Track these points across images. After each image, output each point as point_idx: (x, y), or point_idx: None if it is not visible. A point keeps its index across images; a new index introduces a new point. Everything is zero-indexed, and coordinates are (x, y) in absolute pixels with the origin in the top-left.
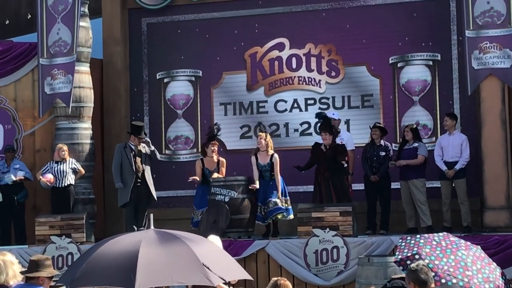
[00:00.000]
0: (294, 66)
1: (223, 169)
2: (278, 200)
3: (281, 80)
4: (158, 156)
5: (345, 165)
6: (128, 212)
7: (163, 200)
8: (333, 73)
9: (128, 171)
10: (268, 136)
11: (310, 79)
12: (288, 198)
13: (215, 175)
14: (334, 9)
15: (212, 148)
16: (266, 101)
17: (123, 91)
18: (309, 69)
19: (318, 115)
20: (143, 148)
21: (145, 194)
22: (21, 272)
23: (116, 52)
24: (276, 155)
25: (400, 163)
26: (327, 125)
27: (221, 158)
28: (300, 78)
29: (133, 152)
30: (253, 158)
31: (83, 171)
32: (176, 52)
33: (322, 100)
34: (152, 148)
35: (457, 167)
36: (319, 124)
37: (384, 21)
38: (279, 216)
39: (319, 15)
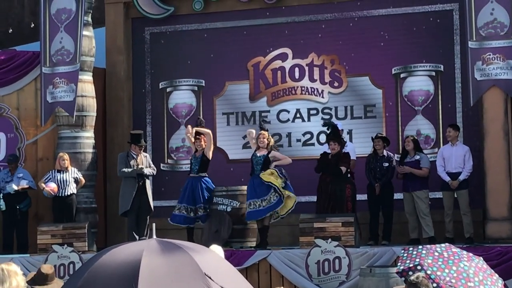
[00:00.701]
0: (297, 76)
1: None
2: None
3: (284, 90)
4: (146, 172)
5: (344, 171)
6: (129, 221)
7: (164, 210)
8: (336, 83)
9: (129, 180)
10: (270, 136)
11: (313, 89)
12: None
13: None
14: (337, 19)
15: (198, 143)
16: (268, 111)
17: (126, 100)
18: (312, 79)
19: (326, 124)
20: (145, 158)
21: (146, 203)
22: (28, 283)
23: (119, 61)
24: (274, 151)
25: (404, 170)
26: (335, 134)
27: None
28: (303, 88)
29: (135, 161)
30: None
31: (83, 181)
32: (179, 62)
33: (325, 110)
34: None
35: (461, 178)
36: (328, 133)
37: (387, 32)
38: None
39: (322, 25)
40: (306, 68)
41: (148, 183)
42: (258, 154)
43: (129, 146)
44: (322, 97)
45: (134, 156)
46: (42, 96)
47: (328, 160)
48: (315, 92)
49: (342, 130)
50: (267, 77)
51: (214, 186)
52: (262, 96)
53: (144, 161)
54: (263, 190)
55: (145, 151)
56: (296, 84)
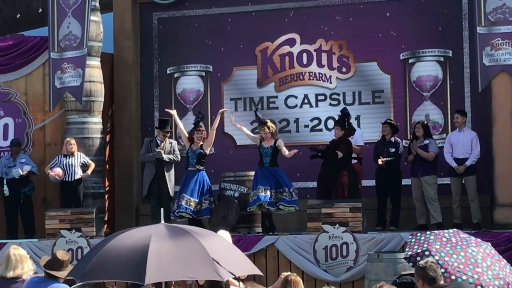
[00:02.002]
0: (305, 61)
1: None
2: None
3: (292, 76)
4: (164, 157)
5: (340, 155)
6: (151, 207)
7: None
8: (344, 69)
9: (149, 164)
10: (271, 124)
11: (320, 75)
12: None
13: None
14: (345, 4)
15: (198, 135)
16: (276, 97)
17: (134, 86)
18: (319, 65)
19: (341, 110)
20: (170, 144)
21: (165, 189)
22: (44, 267)
23: (126, 46)
24: (280, 139)
25: (413, 146)
26: (340, 119)
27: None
28: (311, 74)
29: (158, 147)
30: (258, 140)
31: (92, 164)
32: (186, 47)
33: (333, 96)
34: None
35: (468, 163)
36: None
37: (395, 17)
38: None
39: (330, 10)
40: (314, 54)
41: (171, 170)
42: (265, 146)
43: (156, 132)
44: (330, 82)
45: (159, 141)
46: (51, 82)
47: (328, 146)
48: (323, 77)
49: (350, 116)
50: (275, 62)
51: (210, 183)
52: (270, 81)
53: (167, 147)
54: (271, 181)
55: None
56: (304, 69)
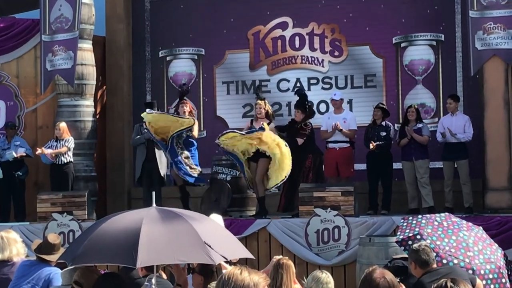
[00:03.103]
0: (297, 45)
1: (195, 132)
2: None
3: (284, 59)
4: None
5: (301, 142)
6: (143, 189)
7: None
8: (336, 53)
9: (140, 147)
10: (268, 104)
11: (313, 59)
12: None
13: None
14: None
15: (184, 108)
16: (268, 80)
17: (126, 69)
18: (312, 49)
19: (296, 92)
20: None
21: (157, 172)
22: (35, 251)
23: (118, 29)
24: (272, 124)
25: (409, 131)
26: (300, 102)
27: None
28: (303, 58)
29: (147, 130)
30: (247, 123)
31: (63, 150)
32: (179, 30)
33: (325, 80)
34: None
35: (460, 136)
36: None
37: (388, 1)
38: None
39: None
40: (306, 37)
41: (161, 153)
42: (256, 127)
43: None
44: (322, 66)
45: None
46: (42, 64)
47: (287, 129)
48: (315, 61)
49: (342, 100)
50: (267, 46)
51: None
52: (262, 65)
53: None
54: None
55: None
56: (296, 53)
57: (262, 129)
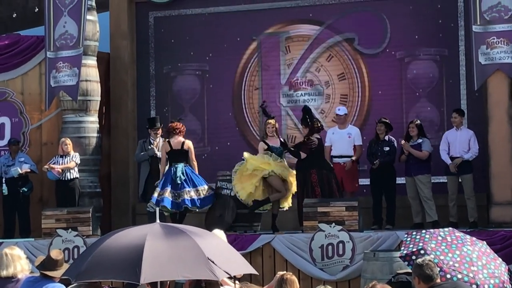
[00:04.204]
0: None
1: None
2: None
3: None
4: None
5: (304, 156)
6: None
7: None
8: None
9: (144, 164)
10: (276, 123)
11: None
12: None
13: None
14: (340, 3)
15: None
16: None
17: (130, 85)
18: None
19: (303, 108)
20: (163, 141)
21: None
22: (38, 268)
23: (123, 46)
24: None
25: (405, 146)
26: (303, 118)
27: (186, 140)
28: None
29: (151, 146)
30: (262, 144)
31: (72, 165)
32: (183, 46)
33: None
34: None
35: (466, 156)
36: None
37: (392, 16)
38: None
39: (325, 9)
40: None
41: (166, 166)
42: (276, 146)
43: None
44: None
45: (152, 141)
46: (47, 81)
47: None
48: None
49: (346, 115)
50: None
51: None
52: None
53: (161, 145)
54: None
55: None
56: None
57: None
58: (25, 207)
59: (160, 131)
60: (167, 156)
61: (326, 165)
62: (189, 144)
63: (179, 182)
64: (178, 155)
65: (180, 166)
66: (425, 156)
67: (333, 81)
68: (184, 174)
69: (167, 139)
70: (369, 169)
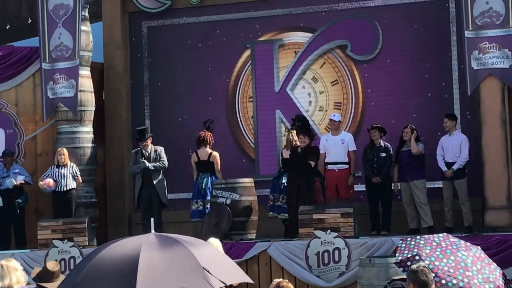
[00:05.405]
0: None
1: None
2: None
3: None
4: (149, 166)
5: (313, 165)
6: (141, 216)
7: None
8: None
9: (138, 175)
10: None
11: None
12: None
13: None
14: (333, 11)
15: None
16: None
17: (124, 95)
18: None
19: (297, 118)
20: (155, 152)
21: (156, 197)
22: (34, 279)
23: (116, 55)
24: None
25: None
26: (305, 127)
27: (213, 152)
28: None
29: (143, 157)
30: (285, 151)
31: (80, 180)
32: (176, 55)
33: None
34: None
35: (455, 167)
36: (296, 126)
37: (384, 22)
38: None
39: (318, 16)
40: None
41: (159, 177)
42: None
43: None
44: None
45: (143, 151)
46: (43, 92)
47: (297, 154)
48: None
49: (340, 121)
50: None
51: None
52: None
53: (152, 155)
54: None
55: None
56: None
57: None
58: (20, 219)
59: (149, 142)
60: (195, 166)
61: (321, 173)
62: (215, 155)
63: (202, 193)
64: (205, 166)
65: (206, 177)
66: (419, 152)
67: (327, 88)
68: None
69: (195, 151)
70: (364, 176)
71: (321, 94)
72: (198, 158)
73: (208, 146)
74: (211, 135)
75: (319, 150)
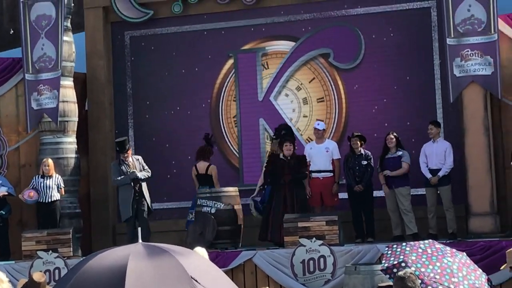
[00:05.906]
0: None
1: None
2: None
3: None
4: (140, 175)
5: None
6: (127, 226)
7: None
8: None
9: (125, 186)
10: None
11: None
12: None
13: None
14: (316, 19)
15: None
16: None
17: (107, 105)
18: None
19: (281, 127)
20: (137, 161)
21: (145, 207)
22: None
23: (99, 65)
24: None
25: (387, 173)
26: (291, 136)
27: (211, 165)
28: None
29: (127, 167)
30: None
31: (63, 192)
32: (159, 65)
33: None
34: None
35: (441, 174)
36: (282, 134)
37: (365, 30)
38: None
39: (301, 25)
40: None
41: (145, 186)
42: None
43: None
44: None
45: (126, 162)
46: (27, 103)
47: (285, 163)
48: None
49: (325, 130)
50: None
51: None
52: None
53: (136, 165)
54: None
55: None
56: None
57: None
58: (3, 230)
59: (129, 153)
60: (196, 179)
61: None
62: (213, 169)
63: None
64: (203, 179)
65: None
66: (406, 170)
67: (310, 96)
68: None
69: (194, 164)
70: (346, 183)
71: (304, 104)
72: (197, 172)
73: (206, 159)
74: (210, 149)
75: (306, 159)
